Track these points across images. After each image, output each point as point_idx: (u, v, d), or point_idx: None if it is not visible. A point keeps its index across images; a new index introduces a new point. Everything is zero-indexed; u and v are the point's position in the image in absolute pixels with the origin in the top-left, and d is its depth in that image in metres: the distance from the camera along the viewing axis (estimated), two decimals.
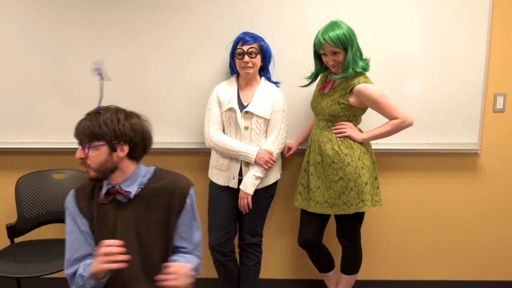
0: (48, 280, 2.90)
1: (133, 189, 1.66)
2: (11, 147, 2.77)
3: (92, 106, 2.70)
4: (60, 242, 2.61)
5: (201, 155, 2.81)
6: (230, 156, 2.43)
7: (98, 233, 1.67)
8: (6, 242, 2.62)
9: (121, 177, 1.65)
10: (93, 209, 1.67)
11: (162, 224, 1.68)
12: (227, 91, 2.47)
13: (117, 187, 1.65)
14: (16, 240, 2.63)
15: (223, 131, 2.49)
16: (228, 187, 2.49)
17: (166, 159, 2.82)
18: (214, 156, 2.53)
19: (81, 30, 2.64)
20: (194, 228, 1.76)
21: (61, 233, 2.84)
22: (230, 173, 2.46)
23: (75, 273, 1.65)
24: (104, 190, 1.67)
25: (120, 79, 2.68)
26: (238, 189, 2.46)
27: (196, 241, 1.77)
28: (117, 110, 1.63)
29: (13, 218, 2.66)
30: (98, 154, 1.57)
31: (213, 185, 2.55)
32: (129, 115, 1.64)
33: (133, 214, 1.66)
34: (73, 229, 1.67)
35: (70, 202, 1.70)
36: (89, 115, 1.61)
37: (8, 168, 2.85)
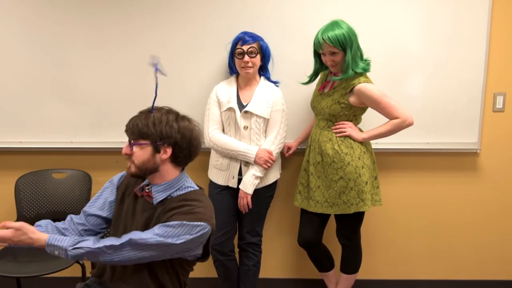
0: (48, 280, 2.90)
1: (160, 197, 1.64)
2: (10, 146, 2.76)
3: (91, 106, 2.73)
4: None
5: (200, 154, 2.78)
6: (230, 155, 2.43)
7: (116, 213, 1.75)
8: None
9: (158, 180, 1.65)
10: (127, 193, 1.74)
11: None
12: (227, 90, 2.47)
13: (148, 188, 1.66)
14: None
15: (223, 130, 2.49)
16: (227, 187, 2.49)
17: None
18: (213, 155, 2.53)
19: (81, 30, 2.64)
20: (149, 231, 1.57)
21: None
22: (229, 173, 2.46)
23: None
24: (143, 183, 1.71)
25: (120, 79, 2.69)
26: (237, 189, 2.46)
27: (133, 237, 1.54)
28: (169, 111, 1.63)
29: (12, 218, 2.66)
30: (141, 152, 1.58)
31: (212, 185, 2.55)
32: (180, 118, 1.63)
33: (149, 217, 1.66)
34: (103, 191, 1.80)
35: (117, 176, 1.81)
36: (141, 113, 1.62)
37: (7, 168, 2.85)
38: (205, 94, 2.60)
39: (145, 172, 1.62)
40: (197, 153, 1.70)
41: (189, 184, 1.70)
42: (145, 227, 1.64)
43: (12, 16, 2.64)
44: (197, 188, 1.72)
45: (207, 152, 2.62)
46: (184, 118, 1.66)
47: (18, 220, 2.62)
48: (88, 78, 2.66)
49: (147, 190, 1.67)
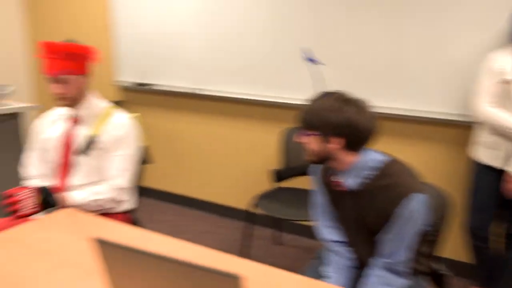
0: (301, 226, 3.20)
1: (351, 182, 1.56)
2: (279, 101, 3.06)
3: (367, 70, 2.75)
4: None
5: (460, 128, 2.56)
6: (503, 134, 2.13)
7: (335, 209, 1.70)
8: (272, 185, 2.98)
9: (340, 167, 1.56)
10: (329, 184, 1.68)
11: (376, 223, 1.56)
12: (504, 60, 2.14)
13: (335, 177, 1.60)
14: (281, 184, 2.97)
15: (496, 104, 2.19)
16: (492, 167, 2.22)
17: (423, 129, 2.68)
18: (482, 132, 2.27)
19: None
20: (397, 242, 1.51)
21: None
22: (501, 153, 2.17)
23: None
24: (329, 172, 1.65)
25: (377, 46, 2.63)
26: (502, 171, 2.16)
27: (396, 258, 1.52)
28: (337, 98, 1.50)
29: (278, 165, 2.99)
30: (311, 142, 1.53)
31: (477, 163, 2.31)
32: (349, 104, 1.49)
33: (355, 206, 1.59)
34: (316, 197, 1.75)
35: (316, 172, 1.73)
36: (311, 101, 1.55)
37: (277, 119, 3.19)
38: (474, 62, 2.32)
39: (321, 160, 1.55)
40: (371, 138, 1.51)
41: (374, 160, 1.54)
42: (358, 217, 1.59)
43: None
44: (386, 158, 1.55)
45: (468, 126, 2.36)
46: (352, 102, 1.48)
47: (284, 166, 2.92)
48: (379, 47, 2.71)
49: (335, 180, 1.59)
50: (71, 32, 3.99)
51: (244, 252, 2.97)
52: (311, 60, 1.58)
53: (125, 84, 3.72)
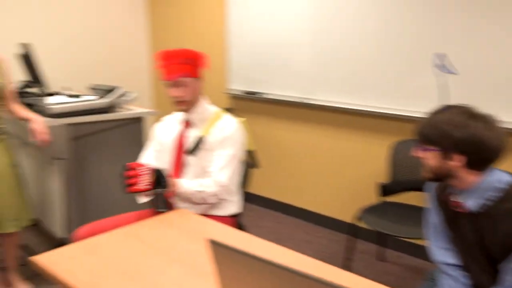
0: (406, 243, 3.06)
1: (472, 203, 1.44)
2: (390, 112, 2.97)
3: (465, 76, 2.60)
4: (425, 211, 2.68)
5: None
6: None
7: (451, 231, 1.60)
8: (378, 199, 2.89)
9: (460, 186, 1.45)
10: (446, 204, 1.58)
11: (498, 250, 1.43)
12: None
13: (454, 197, 1.49)
14: (386, 199, 2.87)
15: None
16: None
17: None
18: None
19: None
20: None
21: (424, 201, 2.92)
22: None
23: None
24: (447, 191, 1.54)
25: None
26: None
27: None
28: (462, 112, 1.39)
29: (384, 178, 2.90)
30: (430, 158, 1.44)
31: None
32: (476, 119, 1.36)
33: (475, 228, 1.47)
34: (430, 216, 1.67)
35: (430, 190, 1.65)
36: (433, 114, 1.45)
37: (385, 131, 3.09)
38: None
39: (439, 177, 1.45)
40: (497, 158, 1.37)
41: (500, 180, 1.40)
42: (478, 241, 1.47)
43: None
44: None
45: None
46: (480, 117, 1.35)
47: (391, 180, 2.83)
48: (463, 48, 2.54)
49: (453, 200, 1.47)
50: (189, 42, 4.25)
51: (345, 265, 2.92)
52: (443, 67, 1.47)
53: (235, 92, 3.87)
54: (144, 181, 1.85)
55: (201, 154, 2.08)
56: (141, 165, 1.89)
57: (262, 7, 3.54)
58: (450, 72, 1.46)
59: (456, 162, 1.40)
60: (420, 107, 2.83)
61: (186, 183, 2.00)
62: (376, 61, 2.99)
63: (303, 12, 3.31)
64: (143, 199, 2.08)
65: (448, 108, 1.43)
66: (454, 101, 2.66)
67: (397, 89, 2.92)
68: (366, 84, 3.06)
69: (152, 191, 1.91)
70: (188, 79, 2.05)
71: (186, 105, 2.10)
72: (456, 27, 2.62)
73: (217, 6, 3.96)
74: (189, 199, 2.02)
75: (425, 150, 1.45)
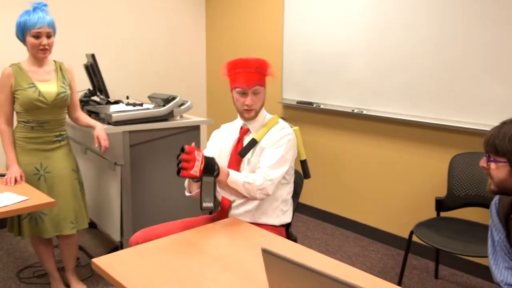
0: (462, 260, 2.94)
1: None
2: (449, 124, 2.89)
3: None
4: (482, 228, 2.58)
5: None
6: None
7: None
8: (433, 214, 2.81)
9: None
10: (510, 221, 1.52)
11: None
12: None
13: None
14: (442, 214, 2.78)
15: None
16: None
17: None
18: None
19: None
20: None
21: (484, 218, 2.80)
22: None
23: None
24: None
25: None
26: None
27: None
28: None
29: (443, 193, 2.81)
30: (497, 170, 1.40)
31: None
32: None
33: None
34: (491, 234, 1.60)
35: (493, 206, 1.58)
36: (503, 124, 1.41)
37: (444, 144, 3.00)
38: None
39: (505, 191, 1.39)
40: None
41: None
42: None
43: None
44: None
45: None
46: None
47: (447, 195, 2.74)
48: None
49: None
50: (244, 52, 4.32)
51: (398, 280, 2.84)
52: None
53: (288, 102, 3.88)
54: (198, 167, 1.81)
55: (254, 156, 2.11)
56: (198, 150, 1.85)
57: (317, 16, 3.55)
58: None
59: None
60: (481, 119, 2.73)
61: (235, 174, 1.99)
62: (433, 71, 2.91)
63: (358, 21, 3.29)
64: (204, 206, 2.02)
65: None
66: None
67: (456, 99, 2.84)
68: (422, 94, 2.99)
69: (202, 178, 1.86)
70: (262, 88, 2.11)
71: (255, 113, 2.13)
72: None
73: (273, 17, 4.00)
74: (236, 191, 2.00)
75: (495, 161, 1.41)
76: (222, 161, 2.20)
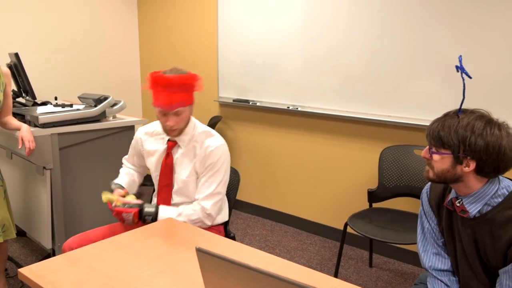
0: (394, 248, 3.08)
1: (474, 209, 1.43)
2: (378, 119, 3.01)
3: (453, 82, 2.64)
4: (411, 216, 2.72)
5: None
6: None
7: (446, 236, 1.60)
8: (366, 205, 2.92)
9: (464, 191, 1.44)
10: (441, 209, 1.58)
11: (494, 256, 1.44)
12: None
13: (458, 202, 1.47)
14: (374, 205, 2.89)
15: None
16: None
17: None
18: None
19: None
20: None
21: (414, 207, 2.95)
22: None
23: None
24: (450, 196, 1.52)
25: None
26: None
27: None
28: (478, 117, 1.37)
29: (374, 185, 2.92)
30: (440, 161, 1.41)
31: None
32: (493, 126, 1.36)
33: (473, 233, 1.47)
34: (421, 221, 1.67)
35: (424, 194, 1.64)
36: (446, 116, 1.43)
37: (375, 138, 3.13)
38: None
39: (444, 180, 1.43)
40: (508, 168, 1.37)
41: (502, 187, 1.40)
42: (474, 246, 1.48)
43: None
44: None
45: None
46: (496, 125, 1.34)
47: (378, 187, 2.85)
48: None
49: (457, 204, 1.46)
50: (179, 51, 4.26)
51: (334, 271, 2.93)
52: (462, 69, 1.42)
53: (225, 100, 3.88)
54: (130, 217, 1.97)
55: (188, 176, 2.07)
56: (122, 200, 1.99)
57: (251, 17, 3.57)
58: (468, 75, 1.45)
59: (467, 167, 1.39)
60: (407, 113, 2.87)
61: (166, 213, 2.01)
62: (366, 69, 3.02)
63: (293, 22, 3.34)
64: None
65: (464, 112, 1.40)
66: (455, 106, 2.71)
67: (384, 96, 2.96)
68: (353, 91, 3.10)
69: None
70: (184, 108, 1.96)
71: (178, 131, 2.04)
72: (451, 32, 2.67)
73: (207, 16, 3.98)
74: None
75: (438, 153, 1.42)
76: (153, 177, 2.19)
